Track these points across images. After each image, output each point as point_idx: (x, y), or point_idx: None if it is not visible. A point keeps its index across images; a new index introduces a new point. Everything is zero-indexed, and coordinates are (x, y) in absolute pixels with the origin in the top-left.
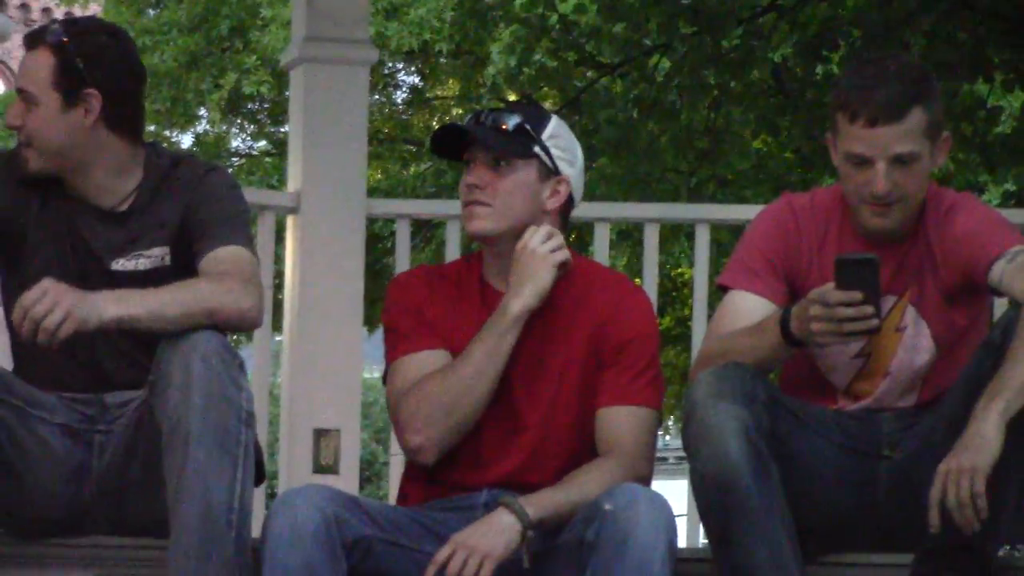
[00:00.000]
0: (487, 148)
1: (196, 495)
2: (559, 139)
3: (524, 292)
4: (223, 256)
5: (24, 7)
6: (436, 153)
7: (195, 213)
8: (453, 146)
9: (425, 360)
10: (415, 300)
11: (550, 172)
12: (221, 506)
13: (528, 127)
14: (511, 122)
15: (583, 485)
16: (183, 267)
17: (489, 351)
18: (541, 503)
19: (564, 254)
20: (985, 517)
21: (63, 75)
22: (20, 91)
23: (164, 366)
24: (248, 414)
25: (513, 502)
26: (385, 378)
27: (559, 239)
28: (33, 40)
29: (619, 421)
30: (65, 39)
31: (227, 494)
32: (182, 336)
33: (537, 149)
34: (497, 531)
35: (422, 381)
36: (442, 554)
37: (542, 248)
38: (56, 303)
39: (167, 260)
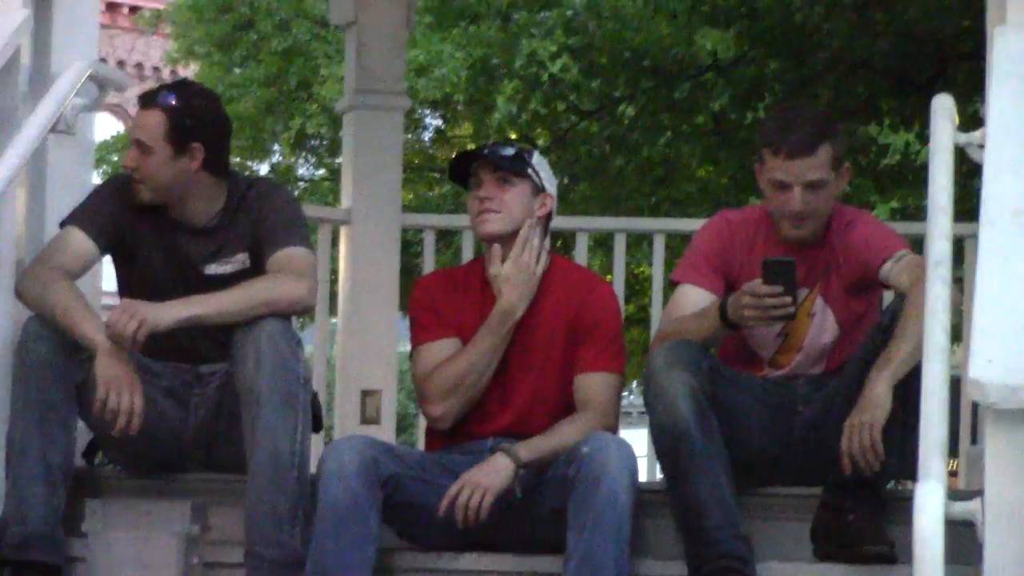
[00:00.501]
0: (495, 167)
1: (266, 443)
2: (541, 167)
3: (519, 304)
4: (282, 256)
5: (138, 66)
6: (451, 177)
7: (263, 223)
8: (462, 174)
9: (440, 348)
10: (431, 299)
11: (539, 189)
12: (285, 451)
13: (522, 154)
14: (509, 151)
15: (564, 434)
16: (262, 268)
17: (491, 344)
18: (530, 448)
19: (542, 266)
20: (882, 460)
21: (173, 131)
22: (136, 141)
23: (239, 345)
24: (305, 379)
25: (508, 447)
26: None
27: (535, 252)
28: (148, 101)
29: (592, 384)
30: (174, 102)
31: (290, 442)
32: (252, 322)
33: (530, 171)
34: (495, 470)
35: (440, 366)
36: (452, 489)
37: (531, 265)
38: (132, 315)
39: (247, 263)
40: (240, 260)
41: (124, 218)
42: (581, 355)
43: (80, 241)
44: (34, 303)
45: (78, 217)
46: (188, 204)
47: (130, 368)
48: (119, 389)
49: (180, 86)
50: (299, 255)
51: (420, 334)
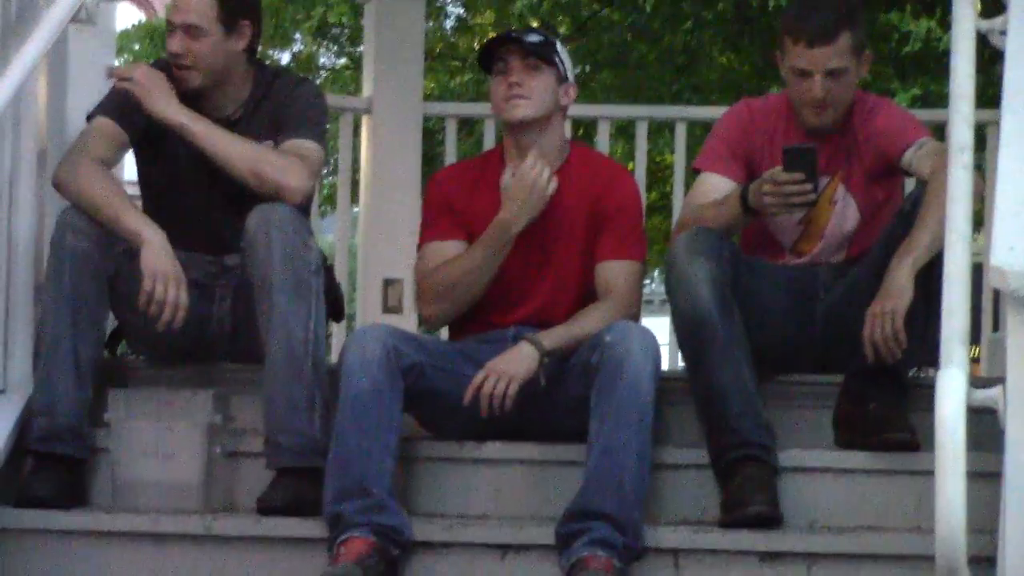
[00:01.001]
0: (525, 52)
1: (279, 330)
2: (565, 56)
3: (522, 219)
4: (290, 146)
5: None
6: (483, 61)
7: (284, 111)
8: (487, 59)
9: (445, 248)
10: (445, 197)
11: (563, 79)
12: (298, 338)
13: (550, 42)
14: (538, 37)
15: (587, 322)
16: None
17: (488, 255)
18: (554, 336)
19: (552, 186)
20: (904, 347)
21: (224, 10)
22: (185, 25)
23: (250, 234)
24: (317, 266)
25: (533, 336)
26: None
27: (548, 170)
28: None
29: (613, 272)
30: None
31: (303, 329)
32: (262, 210)
33: (557, 59)
34: (520, 358)
35: (438, 267)
36: (478, 377)
37: (540, 181)
38: (142, 86)
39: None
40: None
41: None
42: (602, 243)
43: (111, 129)
44: (74, 195)
45: (106, 107)
46: (223, 91)
47: (175, 261)
48: (166, 281)
49: None
50: (308, 148)
51: (427, 231)
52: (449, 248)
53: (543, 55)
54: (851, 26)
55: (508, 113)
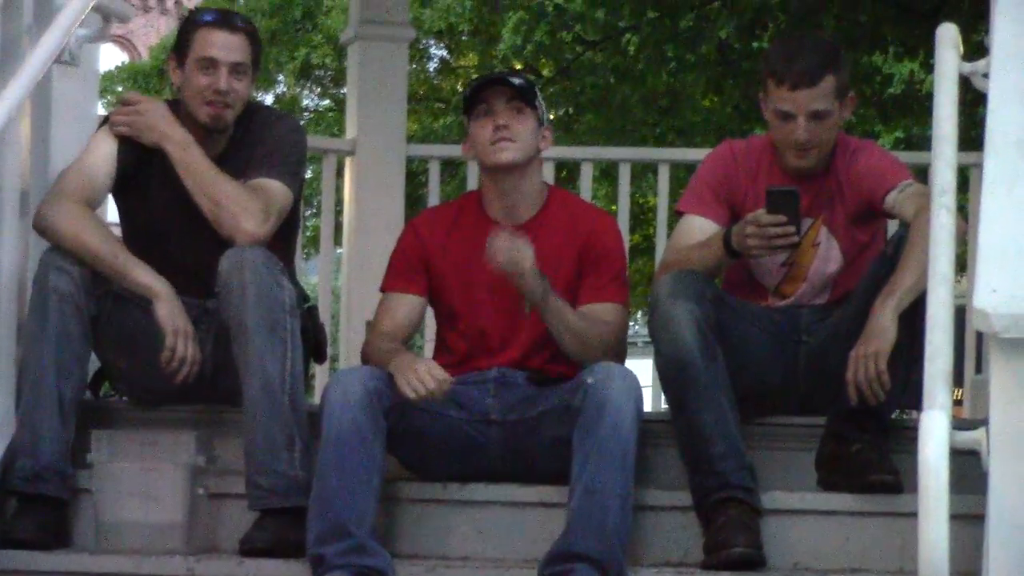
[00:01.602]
0: (510, 95)
1: (256, 371)
2: (540, 101)
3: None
4: (255, 183)
5: None
6: (468, 102)
7: (256, 150)
8: (468, 102)
9: (402, 303)
10: (419, 246)
11: (541, 122)
12: (275, 379)
13: (531, 86)
14: (520, 81)
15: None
16: None
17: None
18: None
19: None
20: (888, 389)
21: (255, 51)
22: (234, 63)
23: (223, 276)
24: (291, 306)
25: (548, 284)
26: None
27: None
28: (228, 23)
29: (595, 313)
30: (248, 25)
31: (279, 369)
32: (234, 253)
33: (537, 102)
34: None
35: (380, 340)
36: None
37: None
38: (142, 115)
39: None
40: None
41: (136, 150)
42: (587, 285)
43: (106, 155)
44: (69, 241)
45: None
46: (223, 132)
47: (186, 314)
48: (186, 339)
49: (229, 10)
50: (273, 187)
51: (390, 278)
52: (405, 304)
53: (527, 98)
54: (834, 69)
55: (495, 156)
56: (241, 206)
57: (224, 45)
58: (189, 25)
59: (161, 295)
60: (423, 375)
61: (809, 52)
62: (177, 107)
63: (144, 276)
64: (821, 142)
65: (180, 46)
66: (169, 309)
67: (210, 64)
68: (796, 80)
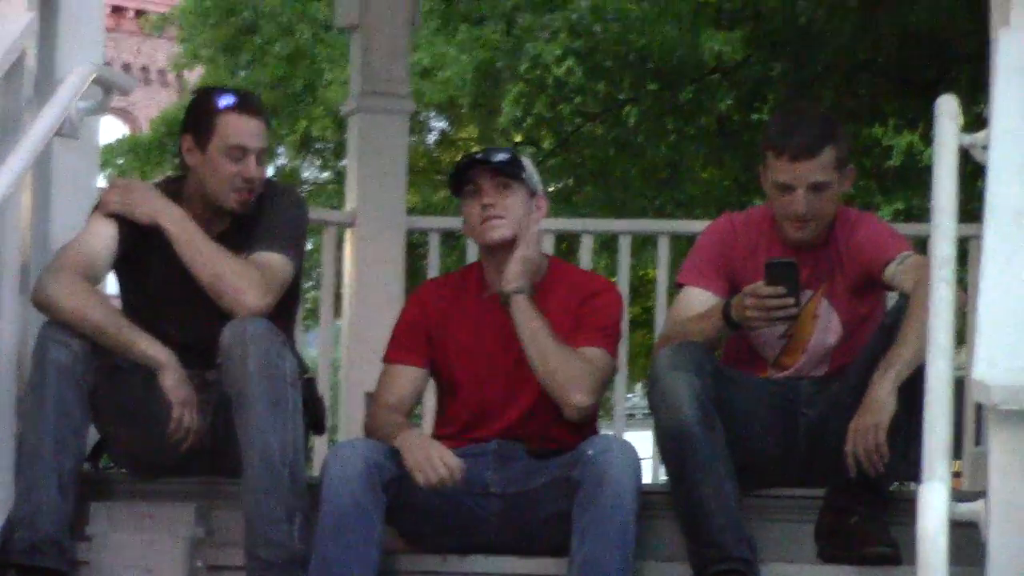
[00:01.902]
0: (494, 172)
1: (257, 444)
2: (531, 171)
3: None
4: (257, 256)
5: (144, 69)
6: (455, 181)
7: (259, 224)
8: (457, 183)
9: (404, 375)
10: (420, 318)
11: (533, 193)
12: (275, 451)
13: (516, 160)
14: (505, 156)
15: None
16: None
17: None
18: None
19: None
20: (887, 462)
21: (267, 139)
22: (260, 150)
23: (225, 348)
24: (293, 378)
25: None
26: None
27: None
28: (250, 107)
29: (584, 354)
30: (263, 108)
31: (280, 441)
32: (237, 324)
33: (524, 175)
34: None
35: (381, 415)
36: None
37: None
38: (132, 193)
39: None
40: None
41: (137, 231)
42: (580, 331)
43: (107, 232)
44: (70, 316)
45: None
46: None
47: (191, 385)
48: (192, 409)
49: (247, 93)
50: (275, 261)
51: (392, 349)
52: (406, 376)
53: (511, 173)
54: (834, 141)
55: (487, 236)
56: (242, 280)
57: (252, 133)
58: (209, 106)
59: (166, 365)
60: (436, 463)
61: (808, 124)
62: (181, 183)
63: (149, 347)
64: (820, 214)
65: (200, 128)
66: (175, 379)
67: (241, 153)
68: (795, 152)
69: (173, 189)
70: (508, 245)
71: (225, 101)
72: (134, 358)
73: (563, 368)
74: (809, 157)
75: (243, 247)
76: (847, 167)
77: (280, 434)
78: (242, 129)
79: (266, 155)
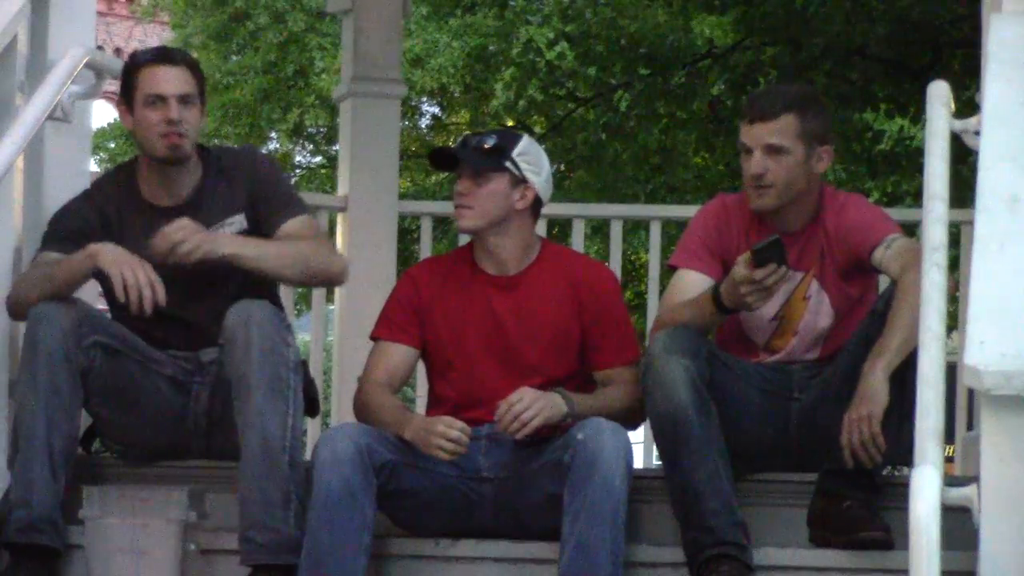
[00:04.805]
0: (468, 165)
1: (257, 429)
2: (528, 155)
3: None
4: (296, 226)
5: (117, 51)
6: (435, 167)
7: (260, 190)
8: (450, 161)
9: (394, 352)
10: (413, 295)
11: (519, 181)
12: (276, 437)
13: (502, 146)
14: (489, 143)
15: (610, 396)
16: (260, 231)
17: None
18: (582, 402)
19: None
20: (883, 451)
21: (199, 84)
22: (182, 95)
23: (229, 330)
24: (295, 364)
25: (564, 393)
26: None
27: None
28: (171, 60)
29: (619, 374)
30: (189, 59)
31: (280, 427)
32: (241, 307)
33: (508, 164)
34: (552, 403)
35: (374, 397)
36: (512, 397)
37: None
38: (191, 235)
39: (244, 225)
40: (237, 222)
41: (92, 213)
42: (601, 348)
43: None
44: (21, 300)
45: (53, 238)
46: (182, 171)
47: (132, 253)
48: (130, 266)
49: (165, 47)
50: (306, 223)
51: (382, 326)
52: (397, 353)
53: (488, 164)
54: (798, 110)
55: (457, 223)
56: (319, 255)
57: (169, 79)
58: (131, 68)
59: (96, 250)
60: (445, 433)
61: (775, 93)
62: (136, 166)
63: (79, 253)
64: (779, 181)
65: (126, 90)
66: (106, 254)
67: (158, 99)
68: (753, 115)
69: (127, 172)
70: (482, 231)
71: (144, 57)
72: (81, 272)
73: None
74: (766, 119)
75: (222, 214)
76: (822, 146)
77: (280, 420)
78: (159, 77)
79: (194, 103)
